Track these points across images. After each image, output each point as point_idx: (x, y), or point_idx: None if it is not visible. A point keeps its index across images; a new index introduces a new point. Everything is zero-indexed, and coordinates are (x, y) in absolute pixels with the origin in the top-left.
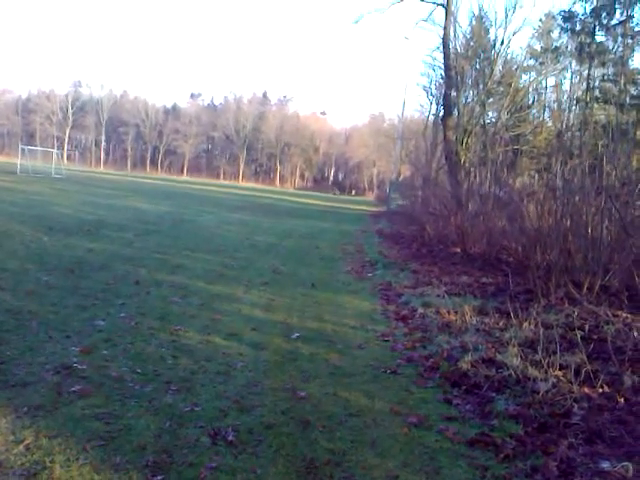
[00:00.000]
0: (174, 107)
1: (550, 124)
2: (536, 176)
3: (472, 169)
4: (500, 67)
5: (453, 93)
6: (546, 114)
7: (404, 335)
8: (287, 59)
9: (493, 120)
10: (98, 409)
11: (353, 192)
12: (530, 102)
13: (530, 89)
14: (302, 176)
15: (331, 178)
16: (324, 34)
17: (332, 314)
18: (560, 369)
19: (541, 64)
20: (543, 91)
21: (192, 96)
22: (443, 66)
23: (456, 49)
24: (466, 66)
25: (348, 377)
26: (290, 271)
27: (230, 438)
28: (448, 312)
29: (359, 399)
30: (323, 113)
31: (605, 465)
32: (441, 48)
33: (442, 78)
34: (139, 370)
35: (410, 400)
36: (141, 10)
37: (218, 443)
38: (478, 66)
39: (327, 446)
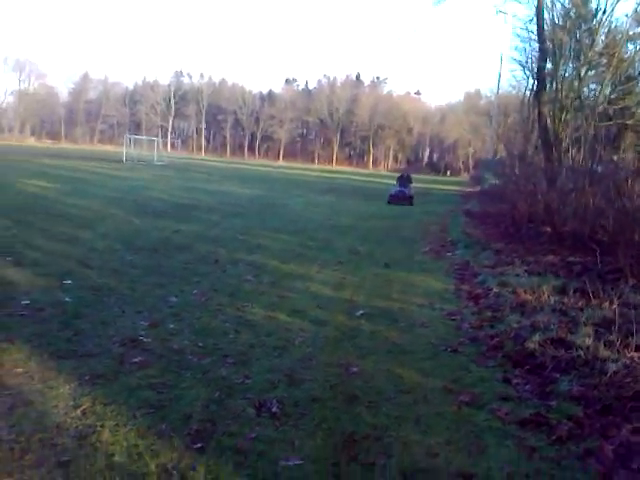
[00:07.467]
0: (270, 93)
1: None
2: None
3: (569, 145)
4: (603, 37)
5: (549, 66)
6: None
7: (472, 314)
8: (380, 39)
9: (594, 94)
10: (154, 379)
11: (448, 173)
12: (637, 73)
13: (637, 59)
14: (395, 158)
15: (425, 159)
16: (416, 10)
17: (401, 293)
18: (636, 350)
19: None
20: None
21: (287, 81)
22: (537, 38)
23: (553, 20)
24: (564, 38)
25: (406, 354)
26: (367, 251)
27: (274, 410)
28: (524, 291)
29: (412, 376)
30: (417, 93)
31: None
32: (535, 20)
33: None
34: (200, 343)
35: (467, 379)
36: None
37: (262, 414)
38: (578, 37)
39: (370, 421)
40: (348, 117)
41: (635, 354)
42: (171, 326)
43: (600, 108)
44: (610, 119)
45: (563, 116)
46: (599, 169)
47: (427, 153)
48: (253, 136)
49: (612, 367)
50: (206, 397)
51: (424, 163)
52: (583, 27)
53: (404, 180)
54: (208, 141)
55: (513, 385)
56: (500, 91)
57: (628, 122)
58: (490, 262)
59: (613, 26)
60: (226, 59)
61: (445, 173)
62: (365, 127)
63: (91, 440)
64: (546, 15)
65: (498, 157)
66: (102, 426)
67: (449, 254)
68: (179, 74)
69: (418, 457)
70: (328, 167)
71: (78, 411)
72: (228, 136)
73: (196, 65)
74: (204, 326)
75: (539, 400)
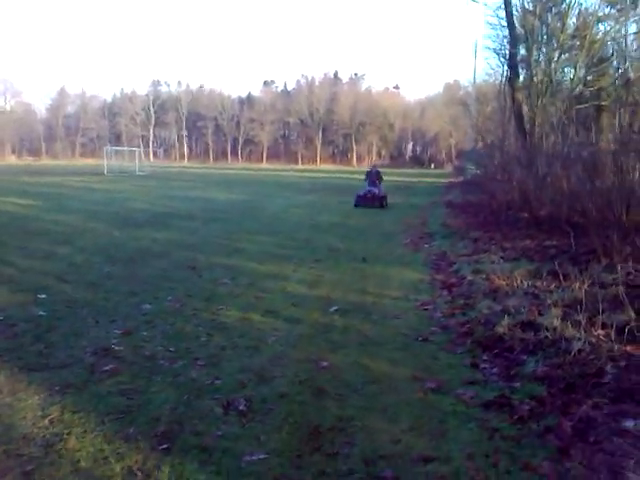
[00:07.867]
0: (249, 97)
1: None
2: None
3: (545, 131)
4: (573, 19)
5: (522, 52)
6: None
7: (446, 303)
8: (356, 35)
9: (569, 77)
10: (124, 385)
11: (432, 165)
12: (610, 54)
13: (607, 39)
14: (379, 153)
15: (409, 153)
16: (392, 3)
17: (377, 286)
18: (603, 328)
19: (619, 11)
20: (623, 40)
21: (265, 83)
22: (507, 25)
23: (523, 5)
24: (535, 22)
25: (376, 346)
26: (346, 248)
27: (241, 408)
28: (498, 277)
29: (381, 367)
30: (396, 87)
31: (628, 424)
32: (504, 6)
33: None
34: (172, 348)
35: (435, 366)
36: (209, 3)
37: (230, 413)
38: (549, 21)
39: (336, 413)
40: (329, 116)
41: (601, 332)
42: (144, 333)
43: (576, 91)
44: (586, 101)
45: (538, 102)
46: (572, 152)
47: (410, 147)
48: (235, 141)
49: (577, 346)
50: (175, 400)
51: (407, 157)
52: (553, 10)
53: (373, 177)
54: (190, 148)
55: (480, 369)
56: (477, 80)
57: (603, 103)
58: (467, 251)
59: (583, 8)
60: (203, 65)
61: (429, 166)
62: (346, 125)
63: (57, 448)
64: (516, 0)
65: (478, 147)
66: (69, 433)
67: (427, 245)
68: (157, 83)
69: (381, 444)
70: (312, 167)
71: (46, 421)
72: (210, 142)
73: (173, 73)
74: (177, 331)
75: (505, 382)
